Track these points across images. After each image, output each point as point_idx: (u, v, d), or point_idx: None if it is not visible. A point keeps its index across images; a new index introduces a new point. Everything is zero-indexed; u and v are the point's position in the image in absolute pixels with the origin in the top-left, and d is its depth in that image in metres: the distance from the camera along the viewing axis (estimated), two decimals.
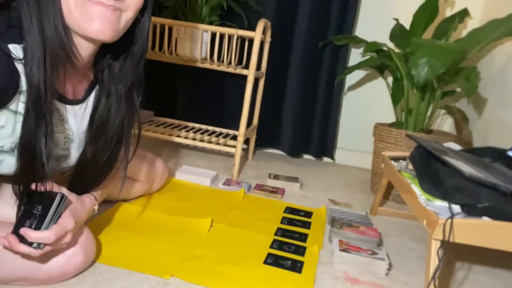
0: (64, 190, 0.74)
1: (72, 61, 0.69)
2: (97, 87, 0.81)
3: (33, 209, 0.69)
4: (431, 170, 0.92)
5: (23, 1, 0.63)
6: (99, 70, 0.80)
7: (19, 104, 0.66)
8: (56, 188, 0.73)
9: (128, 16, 0.70)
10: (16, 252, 0.68)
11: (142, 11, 0.73)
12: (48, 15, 0.64)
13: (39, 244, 0.67)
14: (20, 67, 0.64)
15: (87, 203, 0.81)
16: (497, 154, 1.06)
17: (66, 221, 0.70)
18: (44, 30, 0.63)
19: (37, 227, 0.67)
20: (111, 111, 0.79)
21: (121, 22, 0.69)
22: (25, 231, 0.66)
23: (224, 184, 1.40)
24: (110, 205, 1.09)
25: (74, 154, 0.82)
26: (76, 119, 0.79)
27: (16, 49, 0.63)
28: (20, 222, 0.69)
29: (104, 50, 0.77)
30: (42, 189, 0.70)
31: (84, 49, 0.71)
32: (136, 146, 0.89)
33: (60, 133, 0.77)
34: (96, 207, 0.85)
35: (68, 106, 0.77)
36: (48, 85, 0.64)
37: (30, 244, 0.67)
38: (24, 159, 0.67)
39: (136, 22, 0.74)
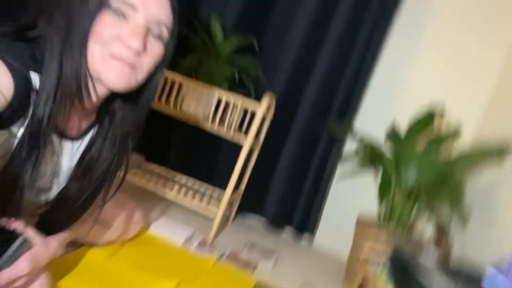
0: (30, 232, 0.72)
1: (82, 102, 0.72)
2: (96, 128, 0.83)
3: None
4: (406, 283, 0.91)
5: (48, 40, 0.67)
6: (102, 113, 0.83)
7: (20, 129, 0.67)
8: (23, 228, 0.71)
9: (143, 72, 0.74)
10: None
11: (156, 68, 0.77)
12: (73, 59, 0.67)
13: None
14: (32, 95, 0.66)
15: (51, 246, 0.78)
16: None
17: (22, 265, 0.68)
18: (63, 71, 0.66)
19: None
20: (103, 152, 0.80)
21: (137, 78, 0.73)
22: None
23: (198, 245, 1.37)
24: (77, 247, 1.05)
25: (55, 189, 0.81)
26: (68, 156, 0.80)
27: (34, 78, 0.66)
28: None
29: (113, 96, 0.80)
30: (11, 226, 0.69)
31: (98, 92, 0.74)
32: (117, 190, 0.88)
33: (48, 165, 0.77)
34: (62, 251, 0.82)
35: (64, 142, 0.78)
36: (51, 120, 0.66)
37: None
38: (4, 185, 0.66)
39: (149, 76, 0.78)
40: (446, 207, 1.70)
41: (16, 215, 0.69)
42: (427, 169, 1.21)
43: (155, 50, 0.73)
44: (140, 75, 0.73)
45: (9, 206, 0.68)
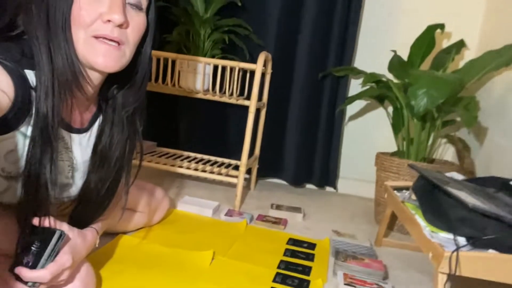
0: (65, 226, 0.74)
1: (81, 89, 0.71)
2: (101, 117, 0.83)
3: (32, 246, 0.69)
4: (435, 201, 0.91)
5: (33, 35, 0.66)
6: (103, 100, 0.82)
7: (29, 127, 0.67)
8: (57, 224, 0.72)
9: (130, 46, 0.73)
10: None
11: (143, 40, 0.76)
12: (60, 47, 0.67)
13: (34, 283, 0.66)
14: (32, 92, 0.66)
15: (89, 237, 0.80)
16: (501, 184, 1.06)
17: (64, 258, 0.69)
18: (54, 61, 0.66)
19: (34, 265, 0.67)
20: (114, 139, 0.81)
21: (125, 56, 0.72)
22: (20, 271, 0.66)
23: (226, 215, 1.39)
24: (111, 237, 1.08)
25: (78, 183, 0.82)
26: (80, 148, 0.80)
27: (30, 75, 0.66)
28: (19, 259, 0.68)
29: (109, 81, 0.79)
30: (45, 224, 0.70)
31: (92, 78, 0.73)
32: (137, 174, 0.89)
33: (64, 161, 0.78)
34: (97, 241, 0.84)
35: (73, 135, 0.78)
36: (55, 113, 0.66)
37: (26, 282, 0.66)
38: (29, 186, 0.68)
39: (138, 51, 0.77)
40: (462, 123, 1.69)
41: (46, 214, 0.71)
42: (436, 85, 1.18)
43: (137, 21, 0.72)
44: (128, 50, 0.72)
45: (38, 206, 0.69)
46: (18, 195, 0.71)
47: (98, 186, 0.81)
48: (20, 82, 0.64)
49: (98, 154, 0.81)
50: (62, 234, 0.70)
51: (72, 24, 0.67)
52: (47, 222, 0.71)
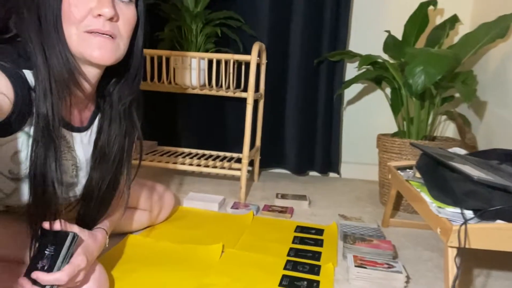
0: (75, 228, 0.74)
1: (79, 86, 0.72)
2: (99, 115, 0.83)
3: (46, 250, 0.69)
4: (439, 177, 0.91)
5: (26, 37, 0.67)
6: (101, 98, 0.82)
7: (32, 127, 0.68)
8: (68, 227, 0.73)
9: (123, 39, 0.73)
10: None
11: (134, 33, 0.76)
12: (53, 46, 0.67)
13: (52, 286, 0.67)
14: (31, 93, 0.66)
15: (99, 237, 0.80)
16: (503, 155, 1.06)
17: (79, 260, 0.70)
18: (49, 61, 0.67)
19: (50, 269, 0.67)
20: (112, 134, 0.81)
21: (119, 49, 0.73)
22: (37, 275, 0.66)
23: (232, 208, 1.40)
24: (119, 238, 1.08)
25: (83, 182, 0.83)
26: (82, 146, 0.81)
27: (29, 75, 0.66)
28: (33, 264, 0.69)
29: (106, 78, 0.79)
30: (56, 227, 0.70)
31: (89, 73, 0.74)
32: (137, 170, 0.89)
33: (68, 161, 0.78)
34: (107, 241, 0.84)
35: (74, 134, 0.79)
36: (55, 113, 0.67)
37: (43, 286, 0.66)
38: (36, 186, 0.68)
39: (131, 44, 0.77)
40: (461, 99, 1.69)
41: (56, 215, 0.71)
42: (433, 62, 1.17)
43: (127, 13, 0.72)
44: (122, 43, 0.73)
45: (47, 207, 0.69)
46: (25, 197, 0.71)
47: (99, 183, 0.82)
48: (19, 83, 0.64)
49: (98, 150, 0.81)
50: (75, 236, 0.70)
51: (63, 22, 0.67)
52: (58, 225, 0.71)
